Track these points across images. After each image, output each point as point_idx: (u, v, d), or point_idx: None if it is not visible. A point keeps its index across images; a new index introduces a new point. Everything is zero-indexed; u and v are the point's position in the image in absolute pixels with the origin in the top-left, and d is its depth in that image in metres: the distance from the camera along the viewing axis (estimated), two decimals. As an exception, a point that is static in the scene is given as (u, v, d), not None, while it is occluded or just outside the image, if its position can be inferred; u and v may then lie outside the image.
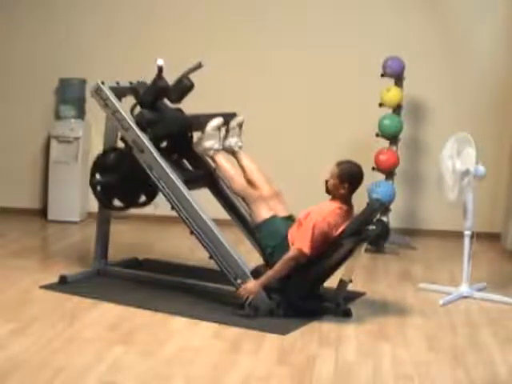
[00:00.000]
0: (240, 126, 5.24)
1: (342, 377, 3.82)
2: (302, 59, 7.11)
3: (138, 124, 5.06)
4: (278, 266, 4.60)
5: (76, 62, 7.28)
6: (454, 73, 6.99)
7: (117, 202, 5.35)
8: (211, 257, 4.85)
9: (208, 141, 5.07)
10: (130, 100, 5.38)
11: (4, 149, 7.53)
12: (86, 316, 4.60)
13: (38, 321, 4.44)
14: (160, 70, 5.10)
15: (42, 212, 7.40)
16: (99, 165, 5.29)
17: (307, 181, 6.94)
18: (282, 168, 6.96)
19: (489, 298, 5.17)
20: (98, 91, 5.17)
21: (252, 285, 4.64)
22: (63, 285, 5.14)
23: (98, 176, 5.27)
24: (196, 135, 5.27)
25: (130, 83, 5.42)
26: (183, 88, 5.14)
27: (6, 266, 5.59)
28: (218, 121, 5.09)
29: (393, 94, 6.53)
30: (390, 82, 6.58)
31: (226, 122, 5.19)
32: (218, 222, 4.93)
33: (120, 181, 5.23)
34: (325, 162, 6.44)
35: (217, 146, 5.08)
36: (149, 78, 5.40)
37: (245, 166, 5.14)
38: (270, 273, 4.63)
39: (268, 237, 4.75)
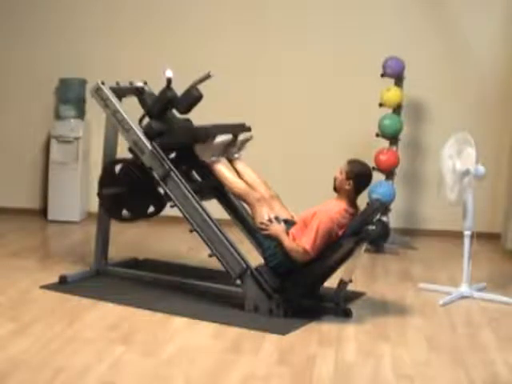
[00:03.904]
0: (245, 141, 5.24)
1: (342, 377, 3.82)
2: (302, 59, 7.11)
3: (147, 134, 5.06)
4: (292, 243, 4.60)
5: (76, 62, 7.28)
6: (453, 73, 6.99)
7: (126, 213, 5.34)
8: (211, 255, 4.86)
9: (210, 151, 5.05)
10: (130, 100, 5.39)
11: (4, 149, 7.54)
12: (86, 316, 4.60)
13: (38, 321, 4.44)
14: (169, 81, 5.10)
15: (42, 212, 7.41)
16: (107, 176, 5.28)
17: (307, 180, 6.97)
18: (281, 168, 6.98)
19: (489, 298, 5.17)
20: (98, 91, 5.17)
21: (280, 227, 4.68)
22: (63, 285, 5.14)
23: (106, 187, 5.26)
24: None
25: (130, 83, 5.42)
26: (191, 99, 5.11)
27: (6, 266, 5.59)
28: (226, 138, 5.09)
29: (393, 93, 6.53)
30: (390, 82, 6.58)
31: (234, 137, 5.18)
32: (217, 221, 4.92)
33: (128, 192, 5.22)
34: (324, 162, 6.49)
35: (214, 159, 5.06)
36: (149, 78, 5.41)
37: (241, 171, 5.13)
38: (287, 240, 4.62)
39: (270, 237, 4.74)
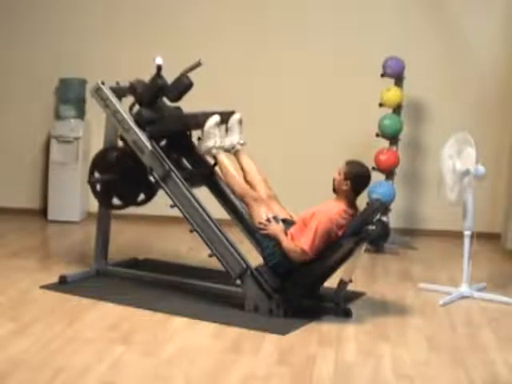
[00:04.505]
0: (239, 122, 5.24)
1: (342, 377, 3.82)
2: (302, 59, 7.11)
3: (137, 122, 5.07)
4: (290, 244, 4.59)
5: (76, 62, 7.28)
6: (453, 73, 6.99)
7: (116, 201, 5.36)
8: (211, 255, 4.86)
9: (208, 140, 5.08)
10: (130, 100, 5.38)
11: (4, 149, 7.54)
12: (86, 316, 4.60)
13: (38, 321, 4.44)
14: (159, 68, 5.10)
15: (42, 212, 7.41)
16: (98, 163, 5.30)
17: (307, 180, 6.97)
18: (281, 168, 6.97)
19: (489, 298, 5.17)
20: (98, 91, 5.17)
21: (278, 227, 4.68)
22: (63, 285, 5.14)
23: (96, 174, 5.28)
24: (195, 134, 5.28)
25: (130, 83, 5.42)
26: (182, 86, 5.13)
27: (6, 266, 5.59)
28: (214, 119, 5.10)
29: (393, 93, 6.53)
30: (390, 82, 6.58)
31: (225, 121, 5.19)
32: (217, 221, 4.92)
33: (119, 179, 5.23)
34: (324, 162, 6.48)
35: (218, 143, 5.08)
36: (149, 78, 5.40)
37: (244, 166, 5.14)
38: (285, 240, 4.62)
39: (268, 237, 4.74)
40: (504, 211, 6.90)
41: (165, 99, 5.25)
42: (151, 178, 5.09)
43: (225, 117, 5.20)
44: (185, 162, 5.40)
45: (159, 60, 5.10)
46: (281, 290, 4.66)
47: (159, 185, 5.01)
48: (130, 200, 5.39)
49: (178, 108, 5.33)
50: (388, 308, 4.97)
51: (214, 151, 5.09)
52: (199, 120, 5.11)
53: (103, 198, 5.33)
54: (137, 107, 5.20)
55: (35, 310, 4.66)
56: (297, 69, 7.12)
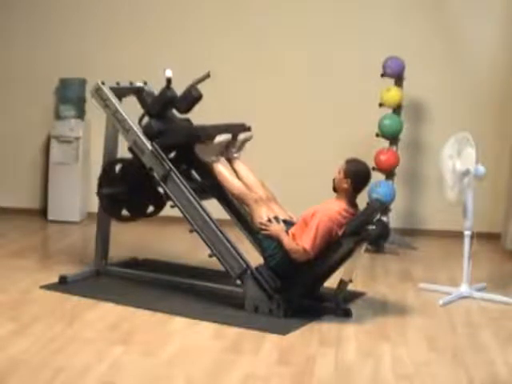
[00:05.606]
0: (245, 141, 5.24)
1: (342, 377, 3.82)
2: (302, 59, 7.11)
3: (146, 134, 5.06)
4: (292, 243, 4.59)
5: (76, 62, 7.28)
6: (453, 73, 6.99)
7: (125, 213, 5.36)
8: (211, 255, 4.86)
9: (210, 151, 5.06)
10: (130, 100, 5.39)
11: (4, 149, 7.53)
12: (86, 316, 4.60)
13: (38, 321, 4.44)
14: (168, 81, 5.11)
15: (42, 212, 7.41)
16: (107, 175, 5.28)
17: (306, 180, 6.96)
18: (281, 168, 6.97)
19: (489, 298, 5.17)
20: (98, 91, 5.17)
21: (279, 227, 4.68)
22: (63, 285, 5.14)
23: (105, 187, 5.26)
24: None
25: (131, 83, 5.42)
26: (191, 98, 5.13)
27: (6, 266, 5.59)
28: (225, 137, 5.08)
29: (393, 94, 6.53)
30: (390, 82, 6.58)
31: (234, 136, 5.17)
32: (217, 221, 4.92)
33: (128, 191, 5.23)
34: (324, 162, 6.48)
35: (214, 158, 5.08)
36: (149, 78, 5.41)
37: (239, 171, 5.15)
38: (286, 239, 4.62)
39: (269, 238, 4.74)
40: (504, 211, 6.90)
41: (174, 111, 5.25)
42: (160, 190, 5.08)
43: (234, 132, 5.17)
44: (194, 174, 5.38)
45: (169, 72, 5.12)
46: (281, 290, 4.66)
47: (165, 192, 4.98)
48: (138, 212, 5.39)
49: (188, 120, 5.33)
50: (388, 308, 4.97)
51: (209, 160, 5.08)
52: (209, 132, 5.08)
53: (112, 210, 5.33)
54: (146, 119, 5.20)
55: (35, 309, 4.66)
56: (297, 69, 7.12)
